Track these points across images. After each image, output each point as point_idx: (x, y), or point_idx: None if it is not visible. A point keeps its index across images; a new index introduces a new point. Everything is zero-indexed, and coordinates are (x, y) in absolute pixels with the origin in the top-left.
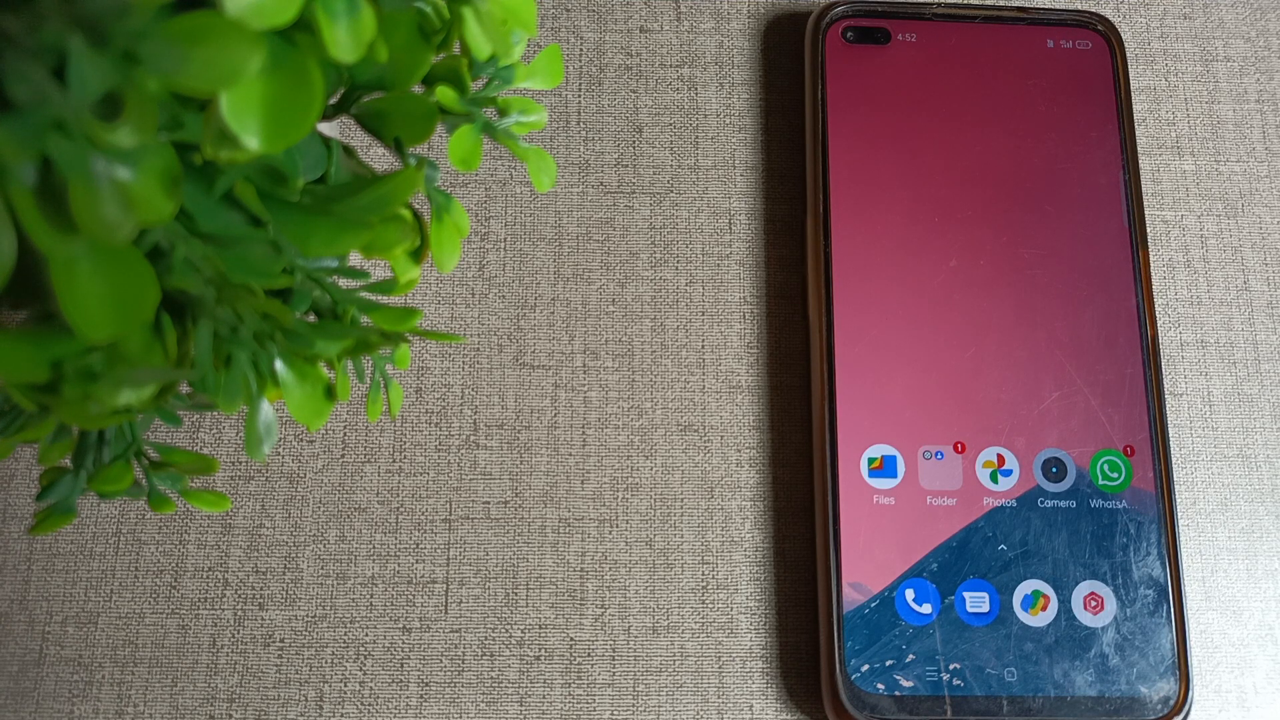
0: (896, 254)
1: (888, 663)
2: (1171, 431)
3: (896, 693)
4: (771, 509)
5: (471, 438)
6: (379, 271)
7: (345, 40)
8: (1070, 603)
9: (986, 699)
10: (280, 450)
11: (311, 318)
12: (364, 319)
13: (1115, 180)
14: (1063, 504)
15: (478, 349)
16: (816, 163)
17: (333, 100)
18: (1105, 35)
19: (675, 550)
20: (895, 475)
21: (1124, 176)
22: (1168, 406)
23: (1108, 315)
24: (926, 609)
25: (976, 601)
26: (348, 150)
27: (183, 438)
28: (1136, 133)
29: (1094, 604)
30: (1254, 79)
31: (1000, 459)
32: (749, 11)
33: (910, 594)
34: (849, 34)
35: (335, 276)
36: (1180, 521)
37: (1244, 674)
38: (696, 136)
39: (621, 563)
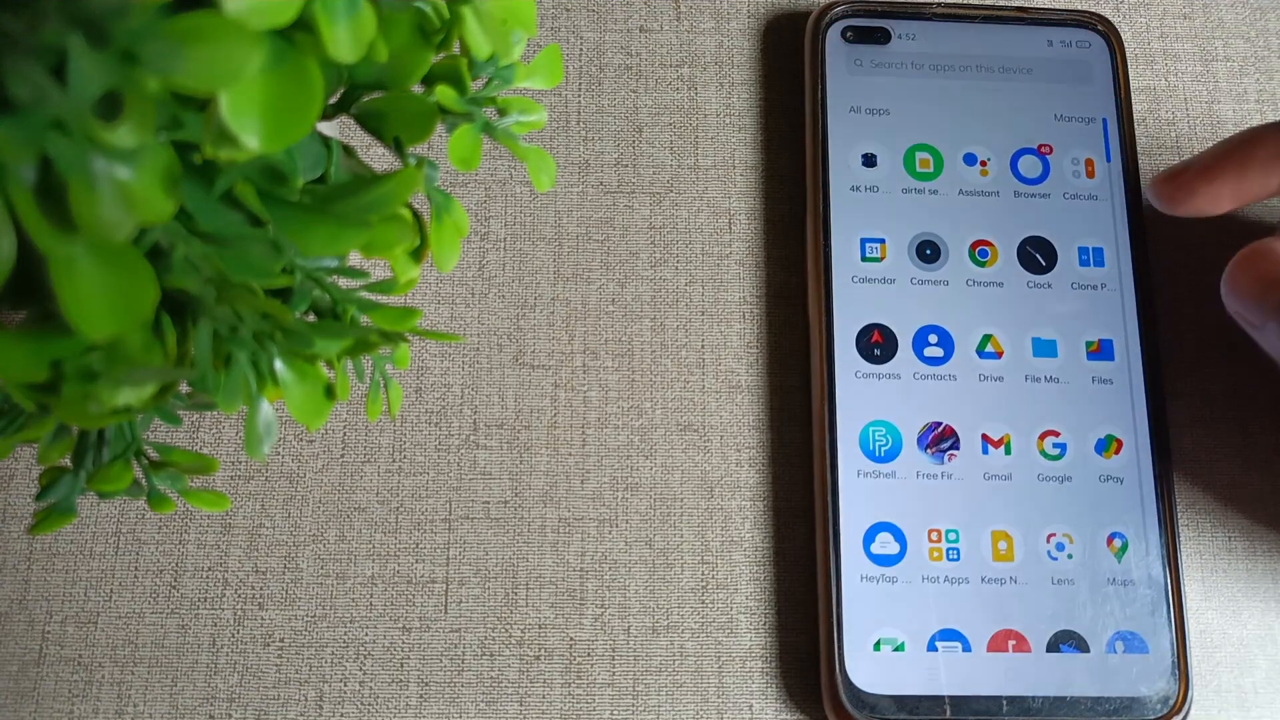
0: None
1: None
2: (1171, 431)
3: (896, 692)
4: (771, 509)
5: (471, 438)
6: (379, 271)
7: (345, 40)
8: (1070, 601)
9: (986, 698)
10: (280, 450)
11: (311, 317)
12: (364, 319)
13: (1114, 180)
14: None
15: (478, 349)
16: (816, 163)
17: (333, 100)
18: (1105, 35)
19: (675, 550)
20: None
21: (1124, 176)
22: (1168, 406)
23: (1107, 314)
24: None
25: None
26: (348, 150)
27: (183, 438)
28: (1136, 133)
29: (1095, 603)
30: (1254, 79)
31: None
32: (749, 11)
33: None
34: (849, 34)
35: (335, 276)
36: (1180, 521)
37: (1244, 674)
38: (696, 136)
39: (621, 563)
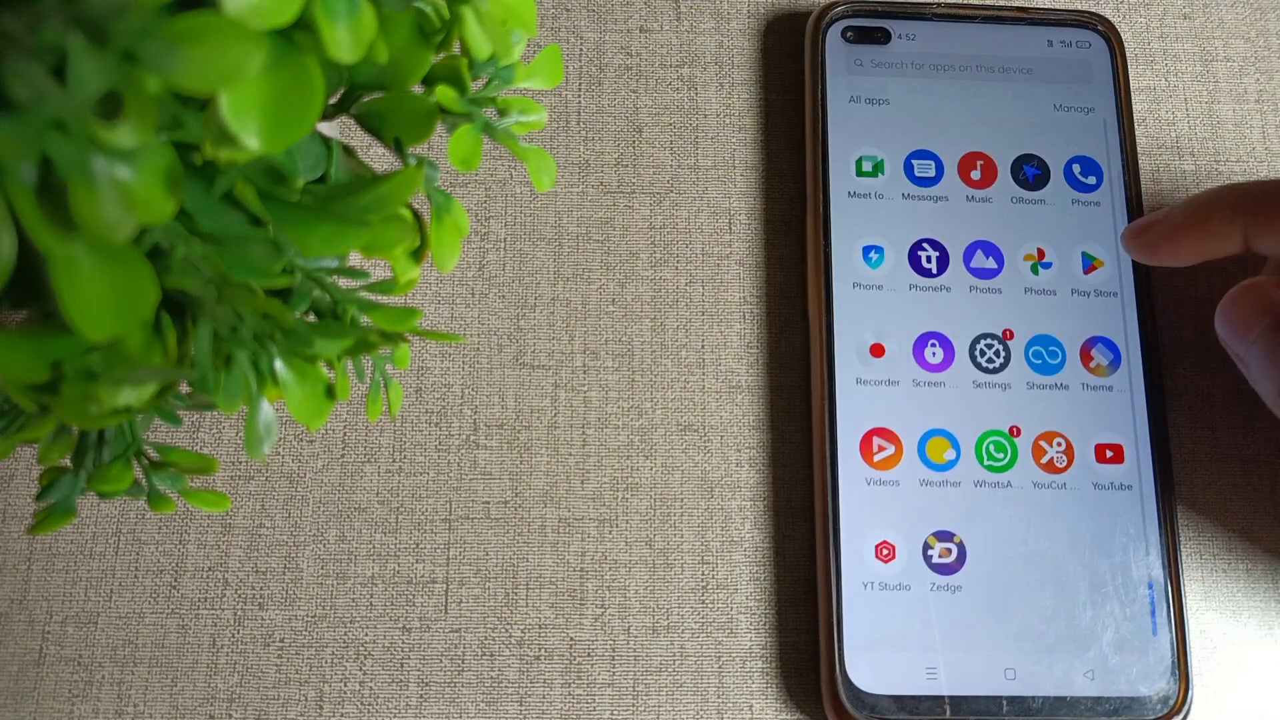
0: None
1: None
2: (1171, 431)
3: (896, 692)
4: (771, 509)
5: (471, 438)
6: (379, 271)
7: (345, 40)
8: (1070, 602)
9: (986, 698)
10: (280, 450)
11: (311, 317)
12: (364, 319)
13: (1114, 180)
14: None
15: (478, 349)
16: (816, 163)
17: (333, 100)
18: (1105, 35)
19: (675, 550)
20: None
21: (1124, 176)
22: (1168, 406)
23: (1107, 313)
24: None
25: None
26: (348, 150)
27: (183, 438)
28: (1136, 133)
29: (1095, 604)
30: (1254, 79)
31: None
32: (749, 11)
33: None
34: (849, 34)
35: (335, 276)
36: (1180, 521)
37: (1244, 674)
38: (696, 136)
39: (621, 563)
